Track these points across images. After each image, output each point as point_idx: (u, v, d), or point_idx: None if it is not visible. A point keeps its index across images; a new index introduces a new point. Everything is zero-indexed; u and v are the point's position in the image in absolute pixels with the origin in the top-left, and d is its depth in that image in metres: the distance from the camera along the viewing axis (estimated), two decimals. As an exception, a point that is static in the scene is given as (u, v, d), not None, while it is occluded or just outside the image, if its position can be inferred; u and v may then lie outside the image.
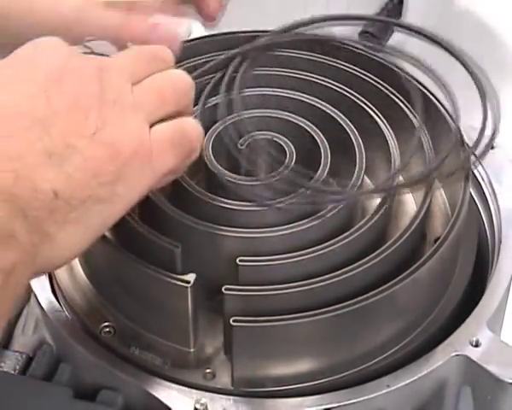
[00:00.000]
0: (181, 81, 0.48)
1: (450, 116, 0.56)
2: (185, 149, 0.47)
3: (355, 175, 0.53)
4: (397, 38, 0.94)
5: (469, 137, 0.59)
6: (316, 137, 0.56)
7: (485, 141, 0.55)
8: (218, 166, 0.54)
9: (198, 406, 0.46)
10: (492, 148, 0.60)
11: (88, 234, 0.43)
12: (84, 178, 0.41)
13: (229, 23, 0.65)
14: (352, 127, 0.56)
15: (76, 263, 0.55)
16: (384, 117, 0.57)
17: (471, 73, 0.57)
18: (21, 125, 0.40)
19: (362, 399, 0.47)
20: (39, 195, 0.39)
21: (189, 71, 0.55)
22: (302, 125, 0.57)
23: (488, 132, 0.55)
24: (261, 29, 0.63)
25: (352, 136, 0.55)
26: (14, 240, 0.38)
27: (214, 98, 0.59)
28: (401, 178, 0.57)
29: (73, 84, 0.43)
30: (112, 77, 0.44)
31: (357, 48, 0.61)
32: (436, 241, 0.50)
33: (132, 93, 0.45)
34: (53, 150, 0.40)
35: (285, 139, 0.56)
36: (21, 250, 0.39)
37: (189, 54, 0.60)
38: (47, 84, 0.42)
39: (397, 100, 0.58)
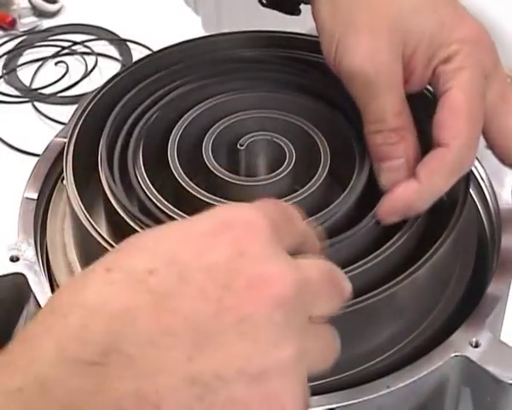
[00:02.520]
0: (338, 342, 0.40)
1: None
2: None
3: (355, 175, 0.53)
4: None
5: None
6: (315, 138, 0.56)
7: (483, 141, 0.55)
8: (218, 167, 0.54)
9: (198, 406, 0.46)
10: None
11: None
12: None
13: (230, 23, 0.65)
14: (352, 128, 0.56)
15: (75, 264, 0.55)
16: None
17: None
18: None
19: (362, 399, 0.47)
20: None
21: (190, 70, 0.55)
22: (302, 125, 0.57)
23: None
24: (261, 29, 0.63)
25: (351, 136, 0.55)
26: None
27: (214, 98, 0.59)
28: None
29: (258, 307, 0.34)
30: (299, 310, 0.36)
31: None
32: (436, 241, 0.50)
33: (307, 341, 0.36)
34: (199, 377, 0.33)
35: (285, 140, 0.56)
36: None
37: (188, 54, 0.60)
38: (226, 292, 0.34)
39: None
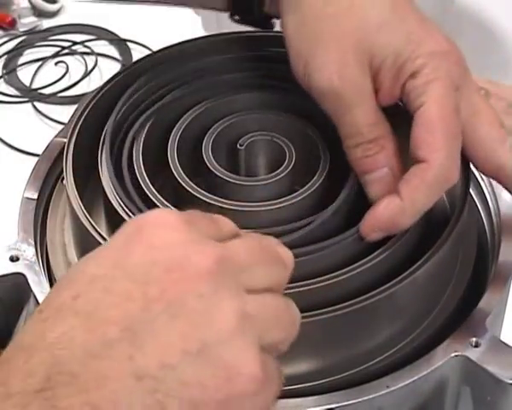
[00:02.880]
0: (297, 312, 0.40)
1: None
2: None
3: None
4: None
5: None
6: (315, 138, 0.55)
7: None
8: (218, 166, 0.54)
9: (198, 406, 0.46)
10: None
11: None
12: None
13: (230, 23, 0.65)
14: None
15: (75, 263, 0.55)
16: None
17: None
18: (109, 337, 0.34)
19: (362, 399, 0.47)
20: None
21: (190, 70, 0.55)
22: (302, 125, 0.57)
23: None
24: (261, 29, 0.63)
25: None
26: None
27: (214, 98, 0.59)
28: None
29: (181, 286, 0.35)
30: (227, 280, 0.36)
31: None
32: (436, 241, 0.50)
33: (247, 304, 0.37)
34: (144, 371, 0.34)
35: (285, 140, 0.56)
36: None
37: (189, 54, 0.60)
38: (148, 285, 0.35)
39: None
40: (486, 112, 0.51)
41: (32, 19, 1.13)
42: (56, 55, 1.06)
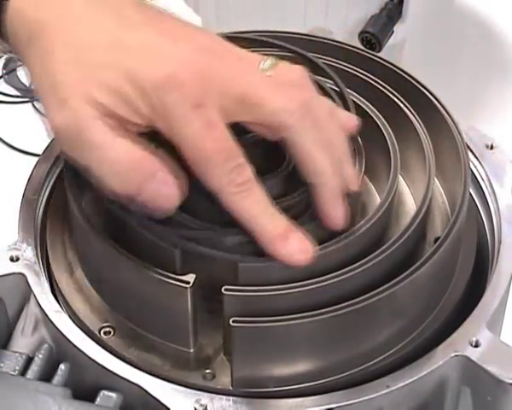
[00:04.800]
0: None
1: (450, 116, 0.56)
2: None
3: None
4: (397, 38, 0.94)
5: (469, 138, 0.59)
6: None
7: (483, 141, 0.56)
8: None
9: (197, 406, 0.46)
10: (492, 148, 0.60)
11: None
12: None
13: (230, 23, 0.65)
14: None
15: (75, 263, 0.55)
16: (384, 117, 0.57)
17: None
18: None
19: (362, 399, 0.47)
20: None
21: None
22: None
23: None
24: (261, 29, 0.63)
25: (351, 135, 0.55)
26: None
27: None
28: (401, 178, 0.57)
29: None
30: None
31: (356, 48, 0.61)
32: (436, 241, 0.50)
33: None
34: None
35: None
36: None
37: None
38: None
39: (396, 100, 0.58)
40: None
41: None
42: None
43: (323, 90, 0.55)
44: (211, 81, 0.46)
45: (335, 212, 0.49)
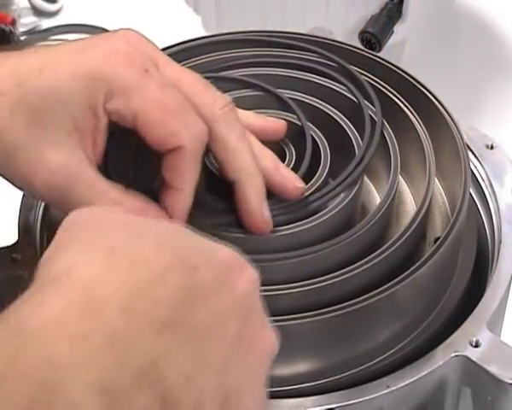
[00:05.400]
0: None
1: (450, 116, 0.56)
2: None
3: (355, 173, 0.53)
4: (397, 38, 0.94)
5: (469, 138, 0.59)
6: (316, 138, 0.55)
7: (483, 141, 0.56)
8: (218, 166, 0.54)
9: (198, 406, 0.46)
10: (492, 148, 0.60)
11: None
12: None
13: (230, 23, 0.65)
14: (352, 127, 0.56)
15: (76, 263, 0.54)
16: (384, 117, 0.57)
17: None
18: None
19: (362, 399, 0.47)
20: None
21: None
22: (302, 125, 0.57)
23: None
24: (260, 29, 0.63)
25: (351, 136, 0.55)
26: None
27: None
28: (401, 178, 0.57)
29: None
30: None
31: (356, 48, 0.61)
32: (436, 241, 0.50)
33: None
34: None
35: (285, 139, 0.55)
36: None
37: (189, 54, 0.60)
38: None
39: (396, 100, 0.58)
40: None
41: (32, 19, 1.13)
42: (56, 55, 1.06)
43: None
44: None
45: (262, 209, 0.49)
